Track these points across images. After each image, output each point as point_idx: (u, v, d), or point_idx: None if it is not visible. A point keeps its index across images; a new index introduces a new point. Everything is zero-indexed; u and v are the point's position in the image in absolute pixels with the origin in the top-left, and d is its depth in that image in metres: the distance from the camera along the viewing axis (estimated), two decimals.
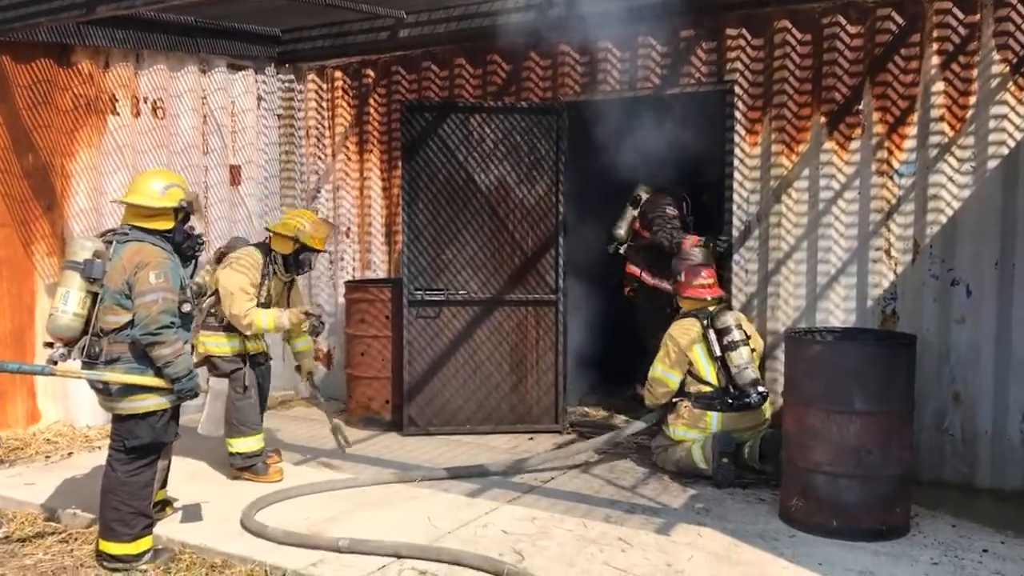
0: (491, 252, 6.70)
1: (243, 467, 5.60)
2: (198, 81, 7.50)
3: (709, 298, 5.78)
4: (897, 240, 5.65)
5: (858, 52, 5.70)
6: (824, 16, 5.78)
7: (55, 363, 4.35)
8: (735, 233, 6.16)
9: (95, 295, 4.34)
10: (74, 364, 4.44)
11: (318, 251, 5.74)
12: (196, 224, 5.26)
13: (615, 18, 6.17)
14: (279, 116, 8.15)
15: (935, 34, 5.46)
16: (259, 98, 8.00)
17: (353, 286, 6.98)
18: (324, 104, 7.96)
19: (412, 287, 6.65)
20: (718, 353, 5.61)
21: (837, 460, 4.58)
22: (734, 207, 6.15)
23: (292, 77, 8.07)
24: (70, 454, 6.29)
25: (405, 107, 6.64)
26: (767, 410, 5.72)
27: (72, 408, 6.83)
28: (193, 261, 4.64)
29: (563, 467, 5.90)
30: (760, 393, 5.57)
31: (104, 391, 4.38)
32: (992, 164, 5.35)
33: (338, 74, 7.83)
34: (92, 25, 6.59)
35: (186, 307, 4.42)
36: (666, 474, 5.71)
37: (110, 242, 4.40)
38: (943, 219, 5.50)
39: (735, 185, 6.14)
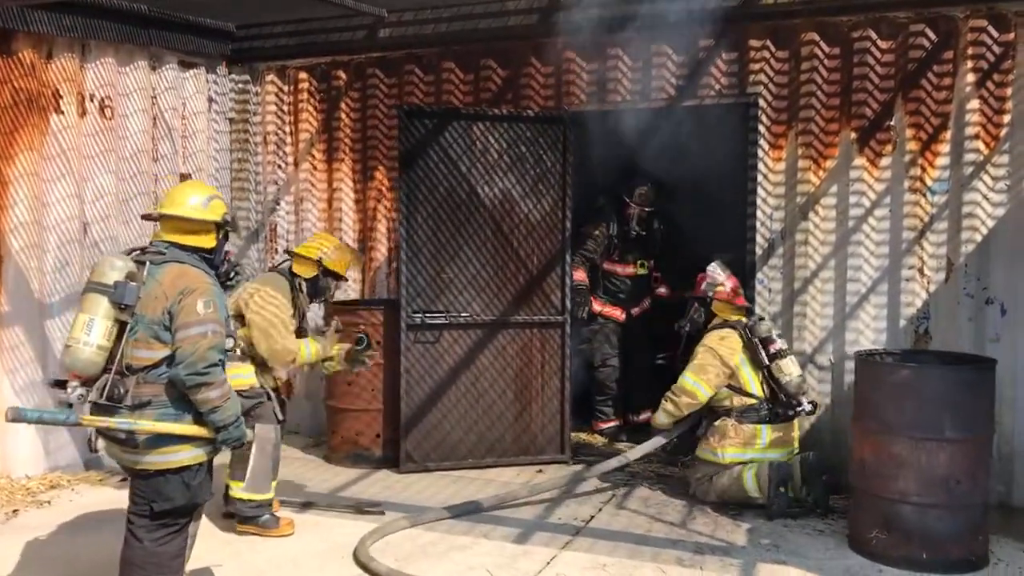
0: (494, 271, 6.21)
1: (250, 518, 4.88)
2: (148, 78, 6.64)
3: (746, 308, 5.61)
4: (930, 258, 5.57)
5: (889, 67, 5.60)
6: (854, 30, 5.65)
7: (70, 405, 3.58)
8: (758, 251, 5.93)
9: (122, 325, 3.59)
10: (75, 398, 3.65)
11: (340, 278, 5.26)
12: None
13: (627, 25, 5.84)
14: (231, 120, 7.37)
15: (969, 51, 5.42)
16: (210, 100, 7.20)
17: (339, 307, 6.31)
18: (286, 108, 7.24)
19: (410, 309, 6.07)
20: (766, 363, 5.37)
21: (926, 490, 4.39)
22: (757, 223, 5.93)
23: (247, 78, 7.31)
24: (15, 512, 5.33)
25: (404, 112, 6.07)
26: (795, 425, 5.50)
27: (6, 456, 5.83)
28: (230, 290, 3.97)
29: (597, 502, 5.48)
30: (812, 402, 5.39)
31: (127, 442, 3.60)
32: None
33: (303, 75, 7.13)
34: (36, 9, 5.68)
35: (229, 342, 3.73)
36: (707, 505, 5.39)
37: (143, 262, 3.67)
38: (978, 237, 5.46)
39: (758, 201, 5.92)
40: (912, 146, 5.57)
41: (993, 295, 5.44)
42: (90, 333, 3.54)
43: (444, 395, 6.15)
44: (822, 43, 5.73)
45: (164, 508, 3.65)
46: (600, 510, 5.37)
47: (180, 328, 3.55)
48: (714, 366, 5.40)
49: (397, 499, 5.54)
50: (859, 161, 5.68)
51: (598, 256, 6.75)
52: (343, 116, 7.03)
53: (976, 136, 5.44)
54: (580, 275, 6.59)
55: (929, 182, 5.55)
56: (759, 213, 5.93)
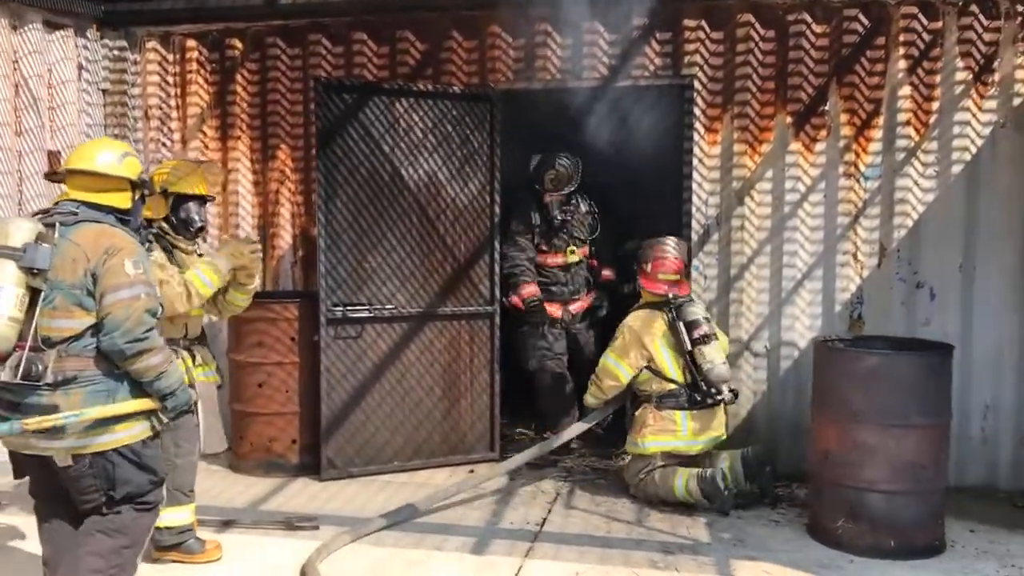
0: (420, 259, 5.78)
1: (171, 545, 4.26)
2: (8, 39, 5.74)
3: (671, 295, 5.33)
4: (863, 244, 5.60)
5: (824, 52, 5.57)
6: (789, 12, 5.59)
7: None
8: (694, 237, 5.80)
9: (34, 293, 3.13)
10: None
11: (200, 197, 4.38)
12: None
13: None
14: (104, 92, 6.53)
15: (901, 38, 5.47)
16: (80, 67, 6.33)
17: None
18: (171, 80, 6.48)
19: (330, 302, 5.54)
20: (688, 348, 5.18)
21: (895, 477, 4.36)
22: (692, 209, 5.79)
23: (123, 44, 6.48)
24: None
25: (322, 86, 5.52)
26: (720, 412, 5.32)
27: None
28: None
29: (544, 503, 5.20)
30: (732, 391, 5.28)
31: (52, 429, 3.11)
32: (956, 169, 5.45)
33: (191, 44, 6.39)
34: None
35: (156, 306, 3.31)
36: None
37: (51, 224, 3.20)
38: (909, 223, 5.53)
39: (694, 186, 5.78)
40: (846, 131, 5.57)
41: (923, 279, 5.53)
42: None
43: (368, 394, 5.68)
44: (757, 25, 5.63)
45: (126, 491, 3.24)
46: (550, 511, 5.09)
47: (108, 291, 3.13)
48: (634, 346, 5.22)
49: (327, 510, 5.04)
50: (795, 146, 5.64)
51: (532, 253, 6.27)
52: (239, 90, 6.36)
53: (907, 123, 5.50)
54: (531, 290, 6.15)
55: (863, 168, 5.58)
56: (695, 198, 5.79)
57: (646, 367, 5.24)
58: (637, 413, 5.28)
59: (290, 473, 5.68)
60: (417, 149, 5.71)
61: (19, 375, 3.05)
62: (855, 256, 5.61)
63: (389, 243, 5.67)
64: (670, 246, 5.40)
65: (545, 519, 4.95)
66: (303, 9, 6.16)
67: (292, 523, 4.77)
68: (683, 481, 5.06)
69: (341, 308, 5.56)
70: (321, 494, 5.38)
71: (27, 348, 3.09)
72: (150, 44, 6.46)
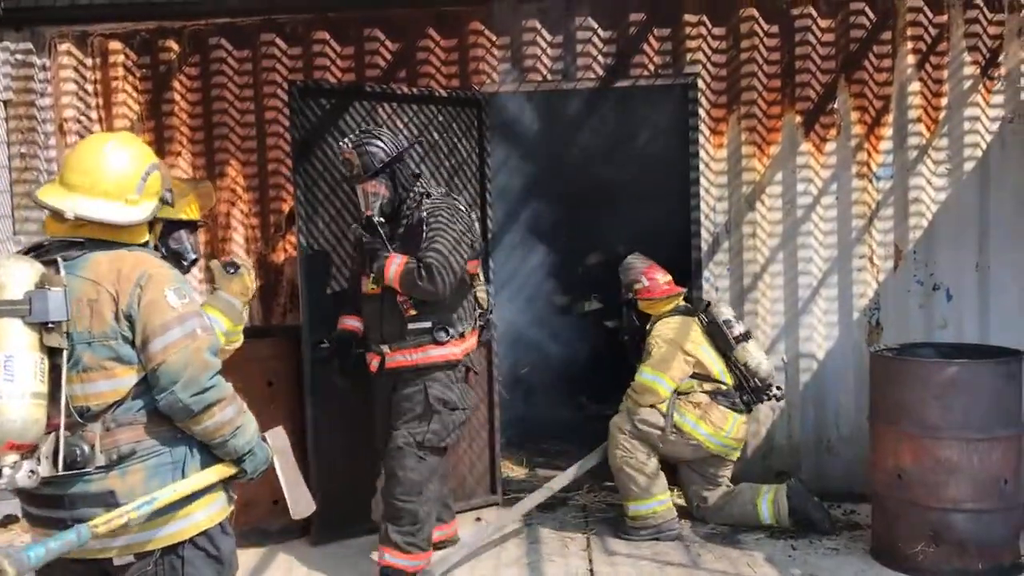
0: None
1: None
2: None
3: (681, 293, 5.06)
4: (879, 246, 5.37)
5: (831, 47, 5.32)
6: (794, 6, 5.30)
7: (21, 491, 2.35)
8: (703, 246, 5.40)
9: (52, 354, 2.34)
10: (24, 479, 2.28)
11: (192, 224, 3.48)
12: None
13: None
14: (6, 103, 5.52)
15: (908, 32, 5.28)
16: None
17: None
18: (91, 88, 5.54)
19: (316, 339, 4.80)
20: (733, 347, 4.85)
21: (980, 494, 4.07)
22: (701, 216, 5.39)
23: (29, 46, 5.50)
24: None
25: (298, 90, 4.79)
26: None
27: None
28: None
29: (577, 551, 4.64)
30: (779, 387, 5.01)
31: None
32: (968, 166, 5.30)
33: (115, 45, 5.48)
34: None
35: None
36: (702, 528, 4.75)
37: (51, 262, 2.42)
38: (924, 223, 5.34)
39: (701, 191, 5.39)
40: (858, 130, 5.33)
41: (939, 281, 5.35)
42: (13, 377, 2.23)
43: (359, 443, 4.94)
44: (761, 20, 5.32)
45: None
46: (591, 561, 4.53)
47: (154, 335, 2.40)
48: (675, 356, 4.79)
49: None
50: (805, 146, 5.35)
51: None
52: (177, 98, 5.50)
53: (918, 119, 5.31)
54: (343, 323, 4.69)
55: (875, 167, 5.35)
56: (702, 204, 5.40)
57: (693, 375, 4.82)
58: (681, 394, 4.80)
59: (274, 539, 4.89)
60: None
61: (61, 465, 2.26)
62: (871, 260, 5.37)
63: None
64: (639, 256, 5.13)
65: (592, 570, 4.40)
66: (253, 5, 5.41)
67: None
68: (769, 500, 4.77)
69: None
70: (315, 560, 4.62)
71: (62, 426, 2.30)
72: (63, 47, 5.50)
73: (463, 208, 4.39)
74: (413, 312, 4.20)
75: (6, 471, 2.23)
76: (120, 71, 5.51)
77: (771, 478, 5.35)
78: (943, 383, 4.10)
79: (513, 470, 6.03)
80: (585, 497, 5.49)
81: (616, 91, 5.43)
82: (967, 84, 5.28)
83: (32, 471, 2.24)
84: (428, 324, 4.22)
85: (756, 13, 5.31)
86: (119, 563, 2.40)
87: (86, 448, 2.32)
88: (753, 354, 4.86)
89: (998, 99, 5.28)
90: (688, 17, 5.33)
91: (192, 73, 5.50)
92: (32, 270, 2.38)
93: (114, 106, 5.53)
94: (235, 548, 2.66)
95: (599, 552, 4.64)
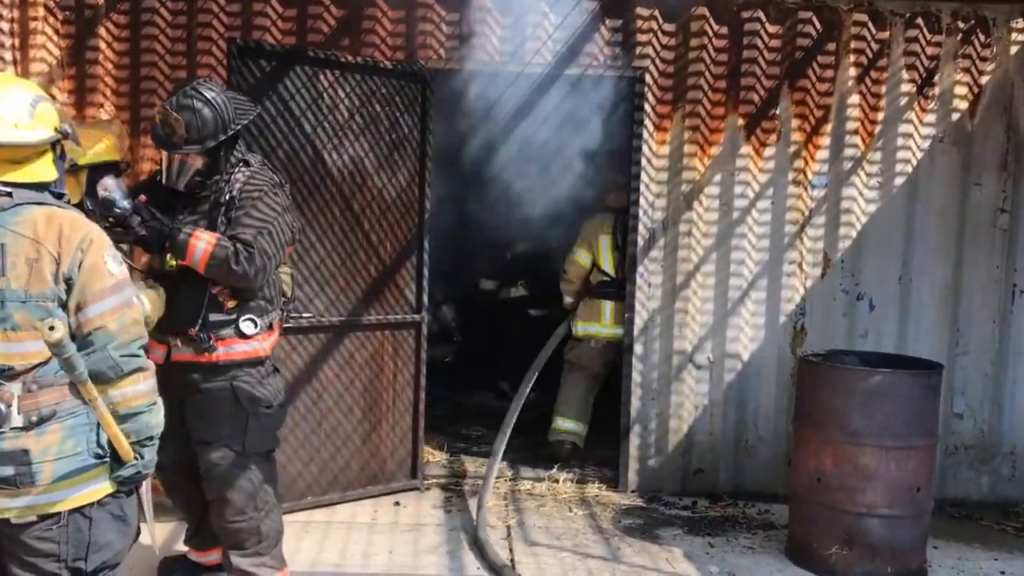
0: (342, 259, 4.96)
1: None
2: None
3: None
4: (808, 253, 5.46)
5: (777, 53, 5.36)
6: (744, 10, 5.33)
7: None
8: (640, 241, 5.40)
9: None
10: None
11: (115, 167, 3.36)
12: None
13: None
14: None
15: (851, 45, 5.37)
16: None
17: None
18: (6, 28, 5.16)
19: None
20: (620, 243, 5.71)
21: (894, 501, 4.18)
22: (640, 212, 5.39)
23: None
24: None
25: (237, 48, 4.57)
26: None
27: None
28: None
29: (497, 539, 4.58)
30: None
31: (12, 479, 2.24)
32: (898, 182, 5.44)
33: None
34: None
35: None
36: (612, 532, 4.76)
37: None
38: (853, 233, 5.46)
39: (641, 187, 5.38)
40: (797, 137, 5.40)
41: (863, 291, 5.48)
42: None
43: None
44: (711, 20, 5.33)
45: (101, 561, 2.37)
46: (512, 550, 4.48)
47: (92, 300, 2.30)
48: (584, 237, 5.97)
49: None
50: (745, 149, 5.40)
51: None
52: (103, 46, 5.18)
53: (855, 132, 5.42)
54: None
55: (810, 175, 5.43)
56: (641, 200, 5.40)
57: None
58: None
59: (180, 515, 4.66)
60: (342, 131, 4.89)
61: None
62: (800, 266, 5.46)
63: (308, 240, 4.80)
64: None
65: (513, 560, 4.35)
66: None
67: None
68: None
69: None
70: None
71: None
72: None
73: (282, 180, 3.76)
74: (232, 304, 3.56)
75: None
76: (40, 11, 5.14)
77: (690, 475, 5.44)
78: (868, 391, 4.19)
79: (433, 455, 5.93)
80: (506, 485, 5.45)
81: (566, 78, 5.37)
82: (903, 101, 5.41)
83: None
84: (232, 316, 3.57)
85: (707, 12, 5.32)
86: (17, 523, 2.26)
87: (3, 408, 2.19)
88: None
89: (931, 118, 5.42)
90: (640, 10, 5.30)
91: (121, 21, 5.18)
92: None
93: (31, 48, 5.17)
94: (137, 507, 2.55)
95: (520, 543, 4.59)
